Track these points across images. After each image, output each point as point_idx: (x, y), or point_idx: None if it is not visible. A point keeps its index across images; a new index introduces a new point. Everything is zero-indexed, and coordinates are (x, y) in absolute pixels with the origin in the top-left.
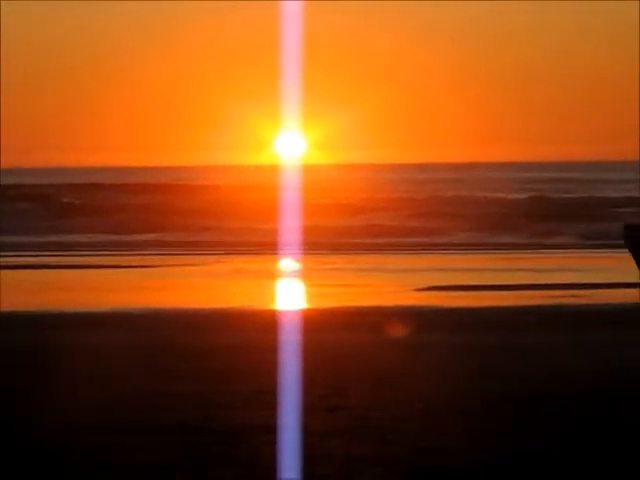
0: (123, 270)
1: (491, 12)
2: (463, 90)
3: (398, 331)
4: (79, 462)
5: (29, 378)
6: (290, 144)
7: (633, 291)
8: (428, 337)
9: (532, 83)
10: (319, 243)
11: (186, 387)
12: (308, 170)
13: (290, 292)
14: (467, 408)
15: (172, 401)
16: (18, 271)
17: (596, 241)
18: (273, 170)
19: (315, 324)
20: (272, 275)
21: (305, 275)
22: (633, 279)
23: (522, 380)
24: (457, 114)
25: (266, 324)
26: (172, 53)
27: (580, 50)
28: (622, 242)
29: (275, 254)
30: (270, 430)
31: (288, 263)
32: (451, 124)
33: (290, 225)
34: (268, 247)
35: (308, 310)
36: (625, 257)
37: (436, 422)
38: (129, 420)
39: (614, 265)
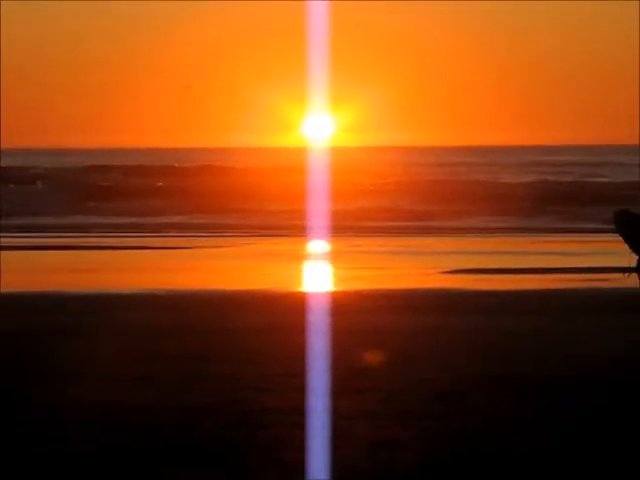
0: (152, 252)
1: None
2: (490, 73)
3: (423, 314)
4: (109, 441)
5: (77, 355)
6: (318, 127)
7: None
8: (454, 320)
9: (559, 68)
10: (346, 226)
11: (214, 369)
12: (335, 153)
13: (318, 274)
14: (491, 391)
15: (200, 382)
16: (50, 252)
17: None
18: (301, 152)
19: (343, 306)
20: (300, 257)
21: (333, 257)
22: None
23: (547, 364)
24: (484, 96)
25: (294, 306)
26: (200, 35)
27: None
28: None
29: (303, 237)
30: (298, 412)
31: (315, 245)
32: (478, 107)
33: (318, 207)
34: (296, 230)
35: (336, 292)
36: None
37: (462, 404)
38: (158, 400)
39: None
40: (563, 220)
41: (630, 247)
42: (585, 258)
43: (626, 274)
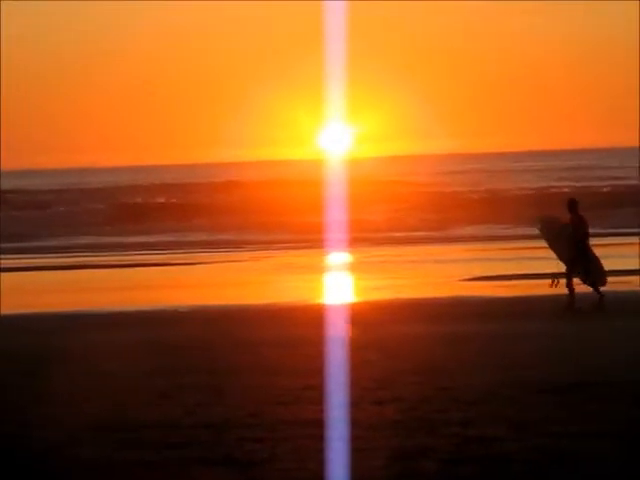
0: (172, 268)
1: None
2: (511, 79)
3: (442, 323)
4: (129, 457)
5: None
6: (336, 137)
7: None
8: (473, 327)
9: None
10: (365, 237)
11: (234, 382)
12: (354, 163)
13: (337, 286)
14: (513, 397)
15: (220, 396)
16: (59, 272)
17: None
18: (319, 164)
19: (362, 317)
20: (319, 269)
21: (352, 269)
22: None
23: (564, 368)
24: (503, 103)
25: (314, 318)
26: (214, 47)
27: None
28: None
29: (322, 249)
30: (318, 424)
31: (335, 257)
32: (497, 113)
33: (337, 219)
34: (315, 241)
35: (355, 303)
36: None
37: (483, 411)
38: (178, 416)
39: None
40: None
41: (555, 254)
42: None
43: (555, 281)
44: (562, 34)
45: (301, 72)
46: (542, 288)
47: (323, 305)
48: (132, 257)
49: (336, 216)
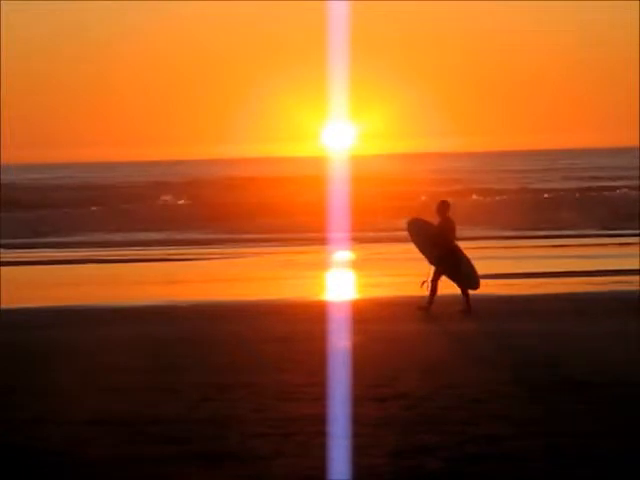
0: (174, 264)
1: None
2: (518, 75)
3: (447, 320)
4: (132, 452)
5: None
6: (339, 134)
7: None
8: (477, 325)
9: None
10: (369, 233)
11: (237, 378)
12: (358, 161)
13: (341, 283)
14: (516, 395)
15: (223, 393)
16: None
17: None
18: (323, 161)
19: (365, 314)
20: (323, 266)
21: (355, 265)
22: None
23: (571, 366)
24: (510, 100)
25: (317, 315)
26: (217, 43)
27: None
28: None
29: (325, 245)
30: (321, 421)
31: (338, 254)
32: (503, 111)
33: (340, 215)
34: (318, 238)
35: (359, 300)
36: None
37: (487, 409)
38: (182, 411)
39: None
40: (593, 225)
41: (424, 256)
42: (621, 260)
43: (425, 282)
44: (571, 30)
45: (306, 68)
46: (550, 286)
47: (326, 302)
48: (147, 252)
49: (339, 213)
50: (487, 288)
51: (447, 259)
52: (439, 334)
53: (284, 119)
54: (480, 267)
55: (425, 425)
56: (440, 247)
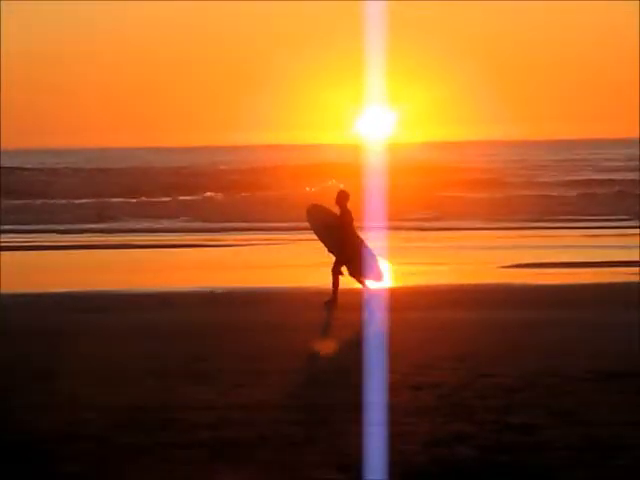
0: (203, 249)
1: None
2: (552, 67)
3: (482, 309)
4: (162, 438)
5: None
6: (376, 122)
7: None
8: (512, 314)
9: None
10: (405, 220)
11: (270, 365)
12: (395, 148)
13: (377, 270)
14: (554, 385)
15: (257, 379)
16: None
17: None
18: (358, 149)
19: (400, 302)
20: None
21: (391, 253)
22: None
23: (605, 356)
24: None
25: (351, 302)
26: (250, 32)
27: None
28: None
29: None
30: (355, 408)
31: (375, 242)
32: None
33: (376, 203)
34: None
35: (393, 288)
36: None
37: (523, 399)
38: (213, 398)
39: None
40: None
41: (324, 246)
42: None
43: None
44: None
45: (344, 54)
46: (583, 276)
47: (359, 289)
48: (163, 238)
49: (376, 200)
50: (524, 277)
51: (346, 250)
52: (475, 322)
53: (321, 106)
54: (519, 256)
55: (460, 414)
56: (338, 238)
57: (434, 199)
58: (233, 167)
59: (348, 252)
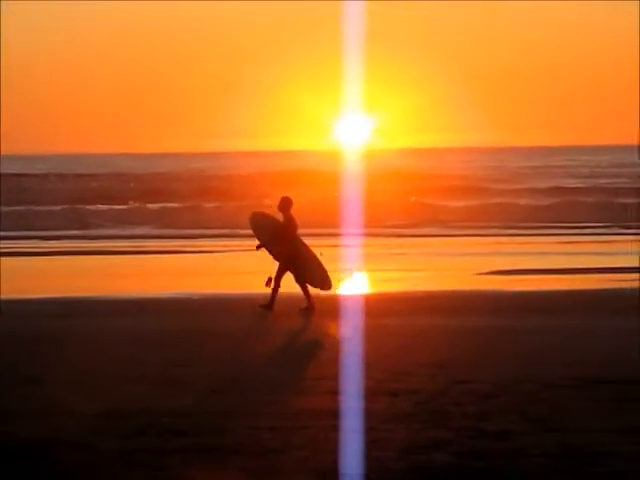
0: (186, 256)
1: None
2: (532, 73)
3: (458, 316)
4: (140, 444)
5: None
6: (353, 129)
7: None
8: (489, 321)
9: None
10: (382, 227)
11: (250, 372)
12: (372, 155)
13: (352, 277)
14: (530, 391)
15: (233, 385)
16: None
17: None
18: (336, 156)
19: (377, 309)
20: (334, 260)
21: (367, 260)
22: None
23: (582, 363)
24: (521, 97)
25: (330, 310)
26: (230, 36)
27: None
28: None
29: (337, 239)
30: (332, 414)
31: (350, 249)
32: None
33: (353, 210)
34: (330, 233)
35: (370, 295)
36: None
37: (499, 405)
38: (190, 404)
39: None
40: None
41: (269, 253)
42: (624, 258)
43: (269, 280)
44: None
45: (322, 60)
46: (561, 283)
47: (338, 296)
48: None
49: (352, 207)
50: (500, 283)
51: (292, 256)
52: (452, 329)
53: (298, 113)
54: (495, 264)
55: (436, 420)
56: (283, 244)
57: (411, 206)
58: (212, 174)
59: (293, 259)
